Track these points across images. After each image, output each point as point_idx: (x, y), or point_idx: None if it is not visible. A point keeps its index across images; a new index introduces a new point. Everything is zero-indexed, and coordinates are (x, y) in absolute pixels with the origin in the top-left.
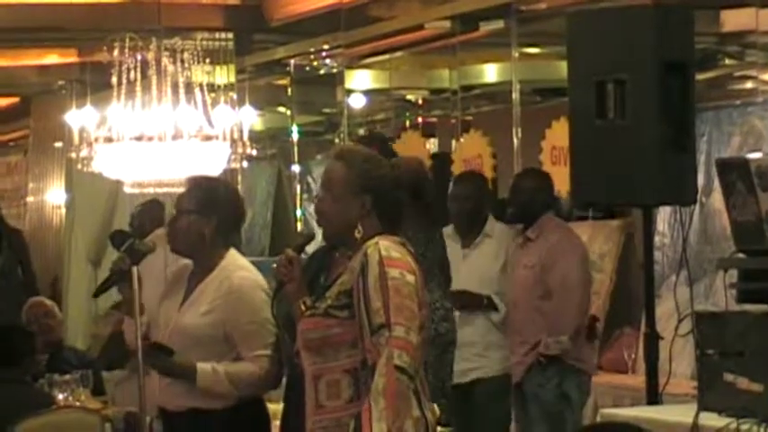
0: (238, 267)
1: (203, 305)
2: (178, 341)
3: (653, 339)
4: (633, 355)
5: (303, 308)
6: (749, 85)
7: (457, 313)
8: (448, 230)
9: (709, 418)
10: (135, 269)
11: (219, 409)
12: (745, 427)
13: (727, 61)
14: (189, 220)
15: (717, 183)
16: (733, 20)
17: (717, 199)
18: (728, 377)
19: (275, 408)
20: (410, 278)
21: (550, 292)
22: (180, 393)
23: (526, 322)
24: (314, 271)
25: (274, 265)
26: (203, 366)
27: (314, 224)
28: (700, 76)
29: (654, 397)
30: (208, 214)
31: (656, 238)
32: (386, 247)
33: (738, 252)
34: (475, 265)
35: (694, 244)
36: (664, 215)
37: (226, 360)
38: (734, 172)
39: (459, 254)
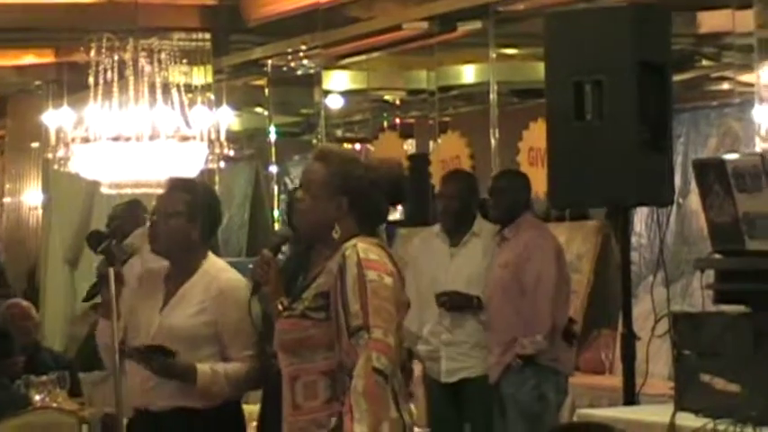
0: (221, 269)
1: (192, 306)
2: (164, 342)
3: (630, 340)
4: (610, 356)
5: (280, 308)
6: (726, 86)
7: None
8: (435, 229)
9: (686, 419)
10: (111, 270)
11: (205, 408)
12: (721, 427)
13: (704, 62)
14: (177, 222)
15: (694, 184)
16: (710, 21)
17: (694, 200)
18: (705, 377)
19: (252, 409)
20: (388, 280)
21: (525, 290)
22: (169, 393)
23: (502, 321)
24: (292, 271)
25: (251, 266)
26: (202, 367)
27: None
28: (677, 78)
29: (631, 397)
30: (195, 217)
31: (634, 239)
32: (364, 249)
33: (715, 253)
34: (463, 264)
35: (671, 245)
36: (641, 216)
37: (212, 360)
38: (711, 173)
39: (447, 253)
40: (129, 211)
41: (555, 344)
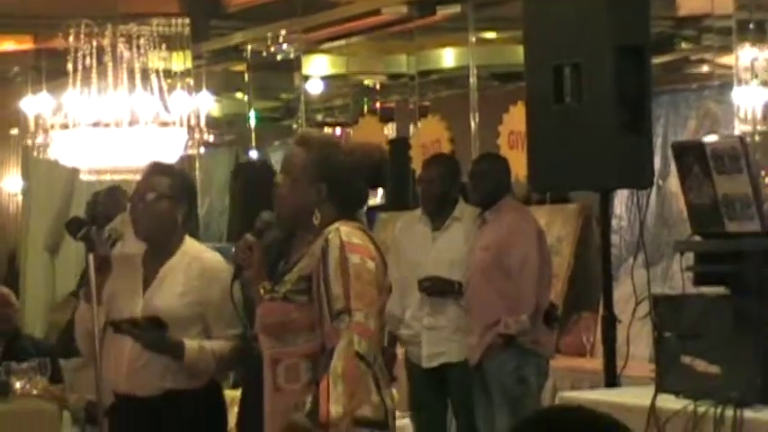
0: (201, 250)
1: (176, 287)
2: None
3: (611, 322)
4: (591, 339)
5: (262, 292)
6: (705, 68)
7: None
8: (417, 213)
9: (667, 401)
10: (91, 256)
11: (189, 389)
12: (702, 408)
13: (684, 45)
14: (166, 205)
15: (673, 166)
16: (689, 4)
17: (673, 182)
18: (686, 359)
19: (233, 394)
20: (371, 264)
21: (509, 273)
22: (158, 374)
23: (483, 304)
24: (274, 256)
25: (233, 250)
26: (190, 343)
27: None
28: (656, 60)
29: (612, 380)
30: (182, 201)
31: (614, 222)
32: (347, 232)
33: (695, 235)
34: (444, 248)
35: (651, 227)
36: (621, 198)
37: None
38: (690, 155)
39: (429, 237)
40: (110, 197)
41: (537, 327)
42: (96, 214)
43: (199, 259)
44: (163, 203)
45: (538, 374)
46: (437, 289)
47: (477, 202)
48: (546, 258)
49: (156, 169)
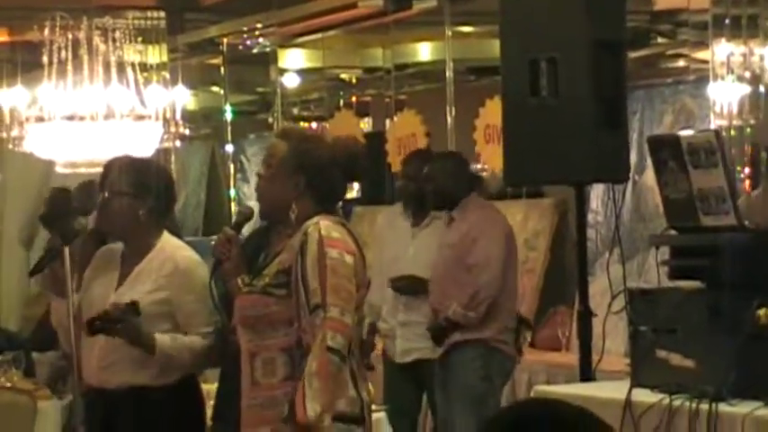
0: (177, 247)
1: (147, 284)
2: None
3: (586, 317)
4: (567, 333)
5: (241, 285)
6: (681, 63)
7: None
8: (397, 208)
9: (642, 395)
10: (66, 249)
11: (161, 385)
12: (677, 402)
13: (660, 40)
14: (123, 202)
15: (649, 160)
16: None
17: (649, 176)
18: (661, 353)
19: (211, 388)
20: (349, 259)
21: (470, 268)
22: (128, 369)
23: (446, 300)
24: (253, 249)
25: (212, 243)
26: (161, 335)
27: (249, 203)
28: (632, 55)
29: (587, 374)
30: (142, 196)
31: (590, 216)
32: (326, 227)
33: (670, 229)
34: (423, 246)
35: (627, 221)
36: (597, 192)
37: None
38: (665, 150)
39: (409, 232)
40: (82, 192)
41: (507, 327)
42: (72, 210)
43: (173, 257)
44: (118, 201)
45: (502, 374)
46: (409, 289)
47: (437, 206)
48: (513, 258)
49: (112, 166)
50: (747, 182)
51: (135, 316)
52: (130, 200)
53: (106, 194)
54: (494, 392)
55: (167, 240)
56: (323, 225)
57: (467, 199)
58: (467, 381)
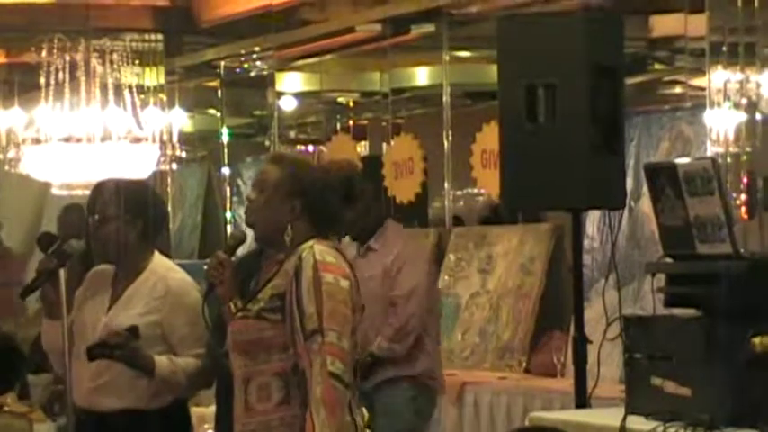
0: (169, 269)
1: (138, 307)
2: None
3: (581, 343)
4: (562, 359)
5: (234, 310)
6: (678, 90)
7: None
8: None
9: (637, 422)
10: (62, 271)
11: (152, 408)
12: (672, 430)
13: (657, 66)
14: (114, 226)
15: (645, 187)
16: (662, 25)
17: (645, 203)
18: (656, 381)
19: (205, 411)
20: (344, 283)
21: (396, 300)
22: (117, 392)
23: (369, 331)
24: (244, 274)
25: (205, 267)
26: (160, 358)
27: (244, 227)
28: (629, 81)
29: (582, 400)
30: (133, 219)
31: (585, 242)
32: (321, 251)
33: (666, 256)
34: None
35: (623, 248)
36: (593, 218)
37: None
38: (662, 177)
39: (354, 262)
40: (67, 216)
41: (432, 358)
42: (63, 230)
43: (164, 279)
44: (110, 225)
45: (431, 409)
46: None
47: (356, 238)
48: (435, 288)
49: (102, 189)
50: (743, 209)
51: (135, 340)
52: (122, 223)
53: (97, 218)
54: (425, 426)
55: (159, 262)
56: (317, 249)
57: (384, 226)
58: (399, 413)
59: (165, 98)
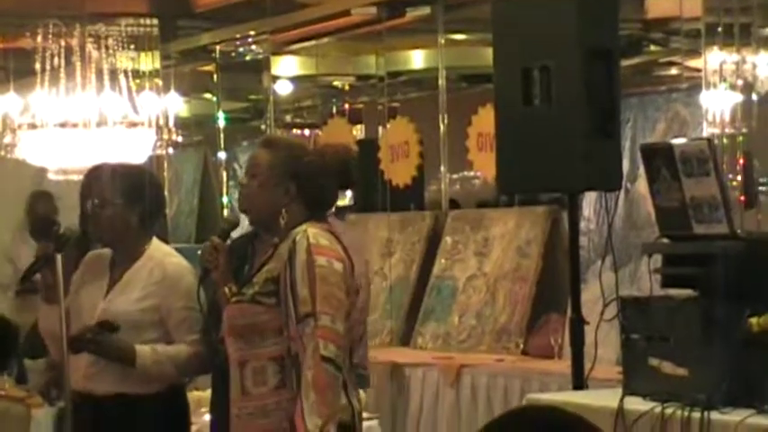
0: (166, 254)
1: (135, 292)
2: None
3: (578, 325)
4: (559, 341)
5: (229, 294)
6: (674, 71)
7: None
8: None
9: (634, 403)
10: (59, 256)
11: (148, 394)
12: (669, 411)
13: (652, 48)
14: (114, 210)
15: (642, 169)
16: (657, 7)
17: (642, 185)
18: (653, 362)
19: (202, 395)
20: (338, 266)
21: None
22: (111, 378)
23: None
24: (238, 258)
25: (200, 252)
26: (142, 347)
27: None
28: (625, 63)
29: (579, 382)
30: (132, 204)
31: (582, 224)
32: (314, 234)
33: (662, 237)
34: None
35: (619, 229)
36: (589, 200)
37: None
38: (658, 158)
39: None
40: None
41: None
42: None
43: (162, 264)
44: (109, 209)
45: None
46: None
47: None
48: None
49: (99, 174)
50: (739, 190)
51: (110, 333)
52: (121, 208)
53: (96, 202)
54: None
55: (157, 247)
56: (311, 233)
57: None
58: None
59: (160, 83)
